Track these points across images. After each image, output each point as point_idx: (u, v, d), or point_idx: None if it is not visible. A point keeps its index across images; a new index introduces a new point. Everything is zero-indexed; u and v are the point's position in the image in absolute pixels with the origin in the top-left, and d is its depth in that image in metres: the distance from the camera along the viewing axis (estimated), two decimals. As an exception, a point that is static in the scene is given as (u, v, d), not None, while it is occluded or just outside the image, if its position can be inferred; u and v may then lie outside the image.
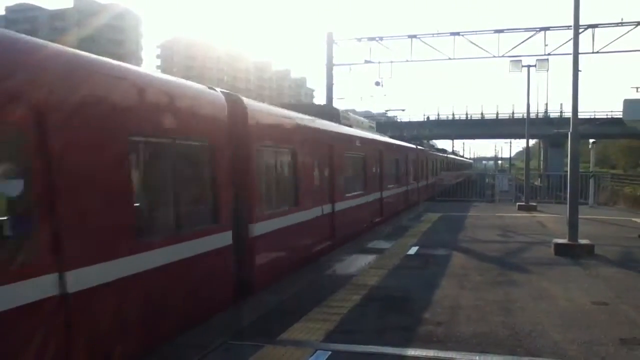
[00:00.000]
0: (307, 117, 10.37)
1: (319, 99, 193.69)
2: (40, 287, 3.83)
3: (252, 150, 7.57)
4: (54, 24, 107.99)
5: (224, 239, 6.58)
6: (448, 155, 44.31)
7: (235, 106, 7.29)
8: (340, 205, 11.55)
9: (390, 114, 65.51)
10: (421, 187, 24.27)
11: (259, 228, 7.55)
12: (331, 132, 11.81)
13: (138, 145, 5.34)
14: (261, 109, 8.48)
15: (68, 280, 4.02)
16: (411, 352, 4.99)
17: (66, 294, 4.00)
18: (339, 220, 11.39)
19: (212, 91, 7.12)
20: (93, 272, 4.32)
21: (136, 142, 5.23)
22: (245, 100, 7.64)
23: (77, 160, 4.26)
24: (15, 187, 3.90)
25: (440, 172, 32.01)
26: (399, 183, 19.02)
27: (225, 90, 7.37)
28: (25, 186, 3.89)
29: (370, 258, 9.89)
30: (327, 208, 10.72)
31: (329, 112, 13.24)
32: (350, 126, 14.17)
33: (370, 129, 17.07)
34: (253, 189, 7.56)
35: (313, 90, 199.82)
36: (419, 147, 25.80)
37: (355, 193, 13.12)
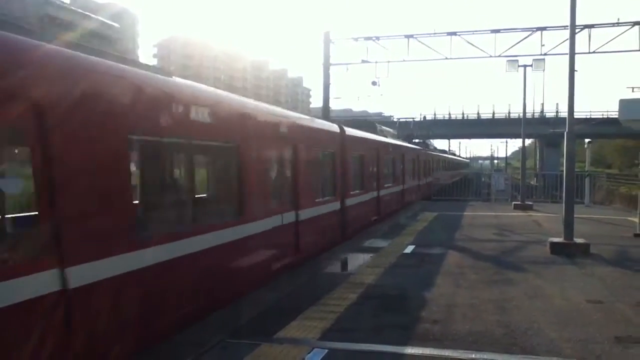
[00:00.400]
0: (368, 134, 16.24)
1: (316, 98, 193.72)
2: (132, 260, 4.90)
3: (348, 156, 13.06)
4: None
5: (337, 205, 12.11)
6: (447, 155, 45.22)
7: (341, 132, 12.85)
8: (383, 192, 16.97)
9: (386, 113, 65.53)
10: (429, 181, 28.45)
11: (349, 201, 12.92)
12: (380, 141, 17.32)
13: (310, 153, 10.47)
14: (350, 132, 13.64)
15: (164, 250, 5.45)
16: (408, 350, 5.01)
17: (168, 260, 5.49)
18: (384, 199, 17.03)
19: (333, 124, 13.03)
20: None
21: (314, 152, 10.81)
22: (345, 128, 13.25)
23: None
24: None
25: (440, 171, 34.23)
26: (416, 177, 24.28)
27: (338, 124, 13.29)
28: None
29: (367, 256, 9.92)
30: (375, 193, 16.10)
31: (369, 124, 18.28)
32: (385, 136, 19.09)
33: (393, 136, 21.15)
34: (348, 178, 13.14)
35: (310, 90, 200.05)
36: (423, 148, 29.14)
37: (390, 184, 17.98)
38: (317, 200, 10.74)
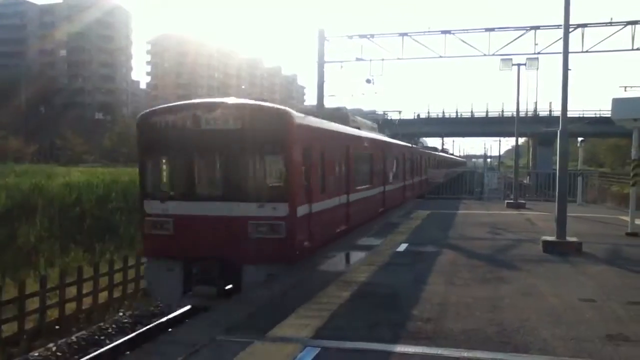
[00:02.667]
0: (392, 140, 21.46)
1: (310, 96, 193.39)
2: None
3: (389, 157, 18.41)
4: (44, 19, 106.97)
5: (382, 189, 16.61)
6: (445, 154, 46.05)
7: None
8: (389, 187, 18.30)
9: (380, 111, 65.73)
10: (423, 177, 29.44)
11: (387, 187, 17.69)
12: (378, 140, 18.22)
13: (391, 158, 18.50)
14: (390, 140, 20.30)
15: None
16: (400, 348, 5.00)
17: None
18: (408, 186, 22.64)
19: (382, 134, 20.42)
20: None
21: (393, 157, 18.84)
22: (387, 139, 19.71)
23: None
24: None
25: (438, 169, 35.05)
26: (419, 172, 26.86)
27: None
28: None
29: (360, 255, 9.89)
30: (403, 182, 21.26)
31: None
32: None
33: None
34: (388, 173, 18.01)
35: (304, 88, 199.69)
36: (414, 146, 28.62)
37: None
38: (391, 181, 18.81)
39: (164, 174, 9.79)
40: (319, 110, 21.09)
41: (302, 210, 9.22)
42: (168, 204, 9.06)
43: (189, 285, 8.75)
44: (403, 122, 74.97)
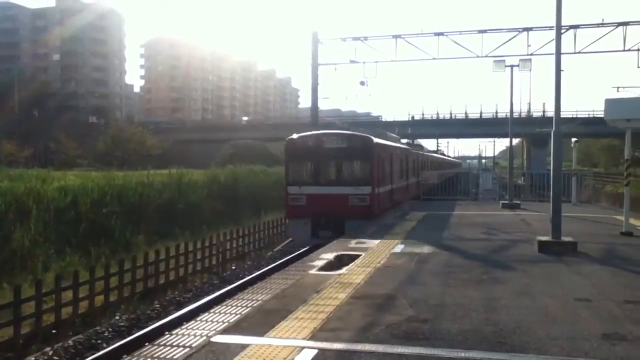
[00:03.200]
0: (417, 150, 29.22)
1: (305, 99, 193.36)
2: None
3: (410, 160, 23.97)
4: (36, 23, 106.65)
5: (406, 183, 21.96)
6: (442, 156, 50.98)
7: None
8: (410, 181, 23.46)
9: (374, 113, 66.06)
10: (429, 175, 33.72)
11: (410, 181, 22.72)
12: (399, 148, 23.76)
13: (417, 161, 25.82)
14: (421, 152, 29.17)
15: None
16: (397, 349, 5.02)
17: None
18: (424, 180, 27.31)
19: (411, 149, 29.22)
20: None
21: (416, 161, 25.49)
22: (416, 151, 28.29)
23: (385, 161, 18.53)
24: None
25: (438, 170, 37.64)
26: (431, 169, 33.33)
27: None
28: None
29: (356, 256, 9.91)
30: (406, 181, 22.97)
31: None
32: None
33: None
34: (409, 171, 22.93)
35: (298, 90, 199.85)
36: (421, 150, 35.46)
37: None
38: (425, 175, 25.42)
39: (300, 171, 16.75)
40: (314, 113, 21.25)
41: (375, 191, 16.19)
42: (303, 188, 16.12)
43: (315, 232, 15.75)
44: (397, 124, 75.18)
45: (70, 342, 8.75)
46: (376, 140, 17.07)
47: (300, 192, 16.10)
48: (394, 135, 25.38)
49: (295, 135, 17.11)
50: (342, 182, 16.32)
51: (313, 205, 15.89)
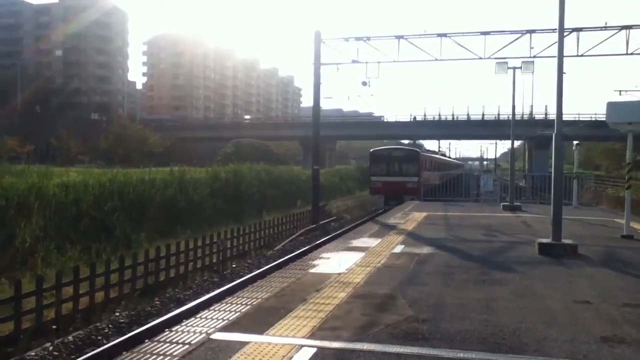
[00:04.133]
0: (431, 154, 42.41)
1: (307, 98, 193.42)
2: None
3: (434, 162, 39.28)
4: (39, 19, 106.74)
5: (436, 174, 37.22)
6: (445, 157, 57.42)
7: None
8: (439, 174, 36.53)
9: (376, 113, 66.77)
10: (442, 173, 41.64)
11: (422, 178, 32.06)
12: (433, 156, 39.76)
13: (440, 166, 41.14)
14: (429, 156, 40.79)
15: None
16: (396, 348, 5.03)
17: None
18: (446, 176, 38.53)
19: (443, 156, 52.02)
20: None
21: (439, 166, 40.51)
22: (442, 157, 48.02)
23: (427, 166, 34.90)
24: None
25: (445, 170, 44.32)
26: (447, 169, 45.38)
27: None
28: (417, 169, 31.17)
29: (356, 256, 9.93)
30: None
31: (419, 146, 40.33)
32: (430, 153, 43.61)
33: (419, 147, 41.31)
34: (435, 169, 37.45)
35: (300, 89, 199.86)
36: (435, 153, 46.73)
37: (431, 174, 33.99)
38: (435, 174, 36.04)
39: (378, 168, 30.65)
40: (316, 112, 21.24)
41: (420, 180, 29.21)
42: (380, 177, 30.10)
43: (386, 202, 28.01)
44: (399, 125, 75.23)
45: (70, 337, 8.77)
46: (421, 151, 34.52)
47: (378, 180, 30.37)
48: (422, 144, 37.92)
49: (375, 148, 34.08)
50: (401, 174, 30.05)
51: (385, 187, 29.73)
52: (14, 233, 13.47)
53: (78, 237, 15.00)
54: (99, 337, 8.93)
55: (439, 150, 63.65)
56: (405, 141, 79.70)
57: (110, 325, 9.49)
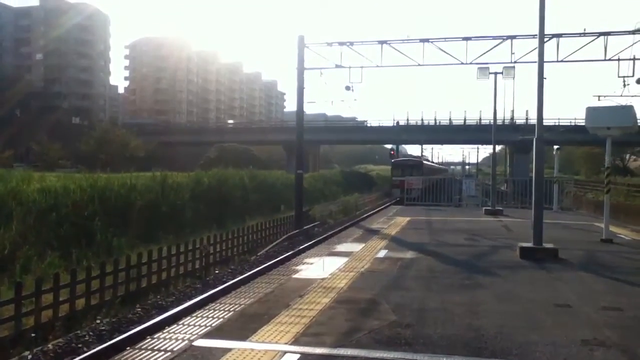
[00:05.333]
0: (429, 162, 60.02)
1: (290, 102, 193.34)
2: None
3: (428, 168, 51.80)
4: (19, 22, 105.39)
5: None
6: (434, 163, 67.81)
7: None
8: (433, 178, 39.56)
9: (360, 118, 67.91)
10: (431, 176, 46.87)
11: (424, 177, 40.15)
12: (429, 164, 56.63)
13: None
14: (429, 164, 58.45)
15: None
16: (379, 354, 5.04)
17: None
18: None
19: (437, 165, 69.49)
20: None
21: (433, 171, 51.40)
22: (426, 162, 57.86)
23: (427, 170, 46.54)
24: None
25: (431, 174, 47.95)
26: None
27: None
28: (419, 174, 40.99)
29: (339, 261, 9.93)
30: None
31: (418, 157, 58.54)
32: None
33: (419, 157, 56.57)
34: (429, 173, 45.43)
35: (284, 94, 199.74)
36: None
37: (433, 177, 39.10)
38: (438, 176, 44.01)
39: (397, 171, 44.30)
40: (299, 117, 21.23)
41: (422, 179, 34.93)
42: (397, 177, 42.19)
43: (400, 193, 36.81)
44: (382, 129, 75.46)
45: (50, 345, 8.64)
46: (424, 160, 52.82)
47: (397, 179, 41.70)
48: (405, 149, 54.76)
49: (395, 159, 50.72)
50: (411, 175, 38.30)
51: (401, 184, 36.69)
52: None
53: (58, 243, 14.79)
54: (80, 345, 8.80)
55: (422, 156, 64.81)
56: (388, 146, 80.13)
57: (91, 333, 9.36)
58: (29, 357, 8.17)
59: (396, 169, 46.28)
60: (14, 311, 9.10)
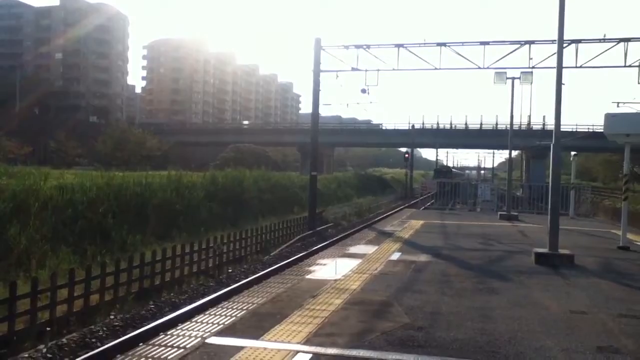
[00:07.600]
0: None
1: (306, 104, 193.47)
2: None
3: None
4: (40, 22, 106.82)
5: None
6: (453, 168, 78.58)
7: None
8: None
9: (375, 121, 69.55)
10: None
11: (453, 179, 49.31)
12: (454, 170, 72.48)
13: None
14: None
15: None
16: (391, 356, 5.02)
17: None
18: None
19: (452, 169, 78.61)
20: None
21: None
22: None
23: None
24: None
25: (457, 178, 57.20)
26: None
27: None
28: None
29: (353, 263, 9.92)
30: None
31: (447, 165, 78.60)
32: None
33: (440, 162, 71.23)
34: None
35: (299, 96, 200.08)
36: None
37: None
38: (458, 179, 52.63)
39: (437, 175, 54.57)
40: (315, 119, 21.23)
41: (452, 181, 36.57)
42: (436, 179, 44.18)
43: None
44: (397, 133, 75.32)
45: (64, 340, 8.73)
46: (451, 168, 74.92)
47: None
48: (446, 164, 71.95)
49: (436, 167, 67.04)
50: (445, 177, 42.27)
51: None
52: (20, 235, 13.41)
53: (74, 239, 14.94)
54: (94, 340, 8.89)
55: (437, 160, 69.03)
56: (403, 149, 79.89)
57: (104, 328, 9.44)
58: (44, 350, 8.26)
59: (436, 173, 59.60)
60: (29, 305, 9.21)
